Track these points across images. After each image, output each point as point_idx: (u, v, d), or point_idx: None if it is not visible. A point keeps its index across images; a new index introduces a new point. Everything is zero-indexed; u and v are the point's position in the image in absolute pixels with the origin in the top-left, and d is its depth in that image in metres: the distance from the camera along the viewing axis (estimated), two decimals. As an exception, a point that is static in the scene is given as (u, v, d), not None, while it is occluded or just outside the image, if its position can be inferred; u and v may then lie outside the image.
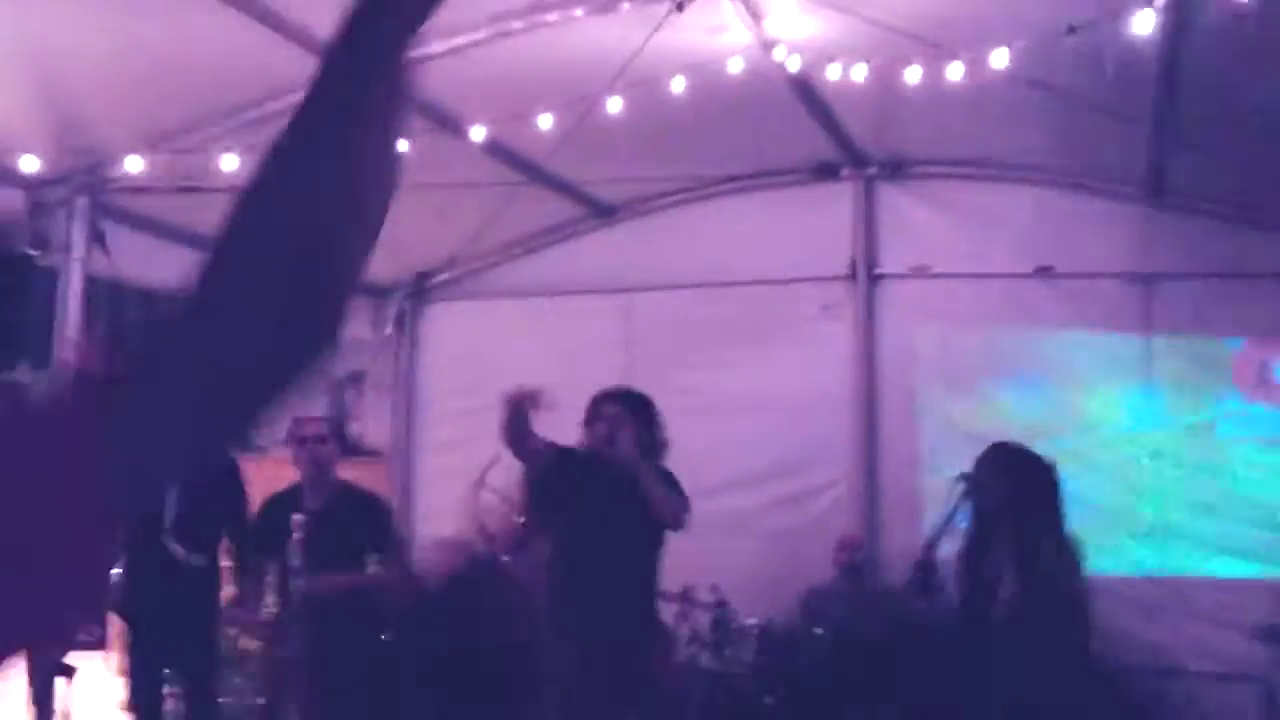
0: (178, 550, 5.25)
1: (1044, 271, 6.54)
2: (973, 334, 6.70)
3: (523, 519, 5.37)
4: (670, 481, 4.95)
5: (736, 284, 7.08)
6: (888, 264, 6.95)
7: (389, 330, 7.79)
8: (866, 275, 6.92)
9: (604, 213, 7.43)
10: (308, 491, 5.17)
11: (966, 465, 6.24)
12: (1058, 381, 6.48)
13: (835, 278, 6.98)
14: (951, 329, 6.77)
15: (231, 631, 5.66)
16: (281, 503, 5.11)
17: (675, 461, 6.96)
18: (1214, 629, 5.98)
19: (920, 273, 6.84)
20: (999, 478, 4.42)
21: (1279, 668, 5.30)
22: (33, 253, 5.82)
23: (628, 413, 4.93)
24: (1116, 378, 6.38)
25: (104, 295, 5.88)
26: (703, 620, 6.03)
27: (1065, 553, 4.36)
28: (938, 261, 6.82)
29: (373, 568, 5.18)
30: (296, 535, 4.65)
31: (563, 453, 4.90)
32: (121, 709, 5.39)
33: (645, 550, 4.93)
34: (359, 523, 5.18)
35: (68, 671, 4.21)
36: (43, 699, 4.72)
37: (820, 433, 6.82)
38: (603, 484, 4.80)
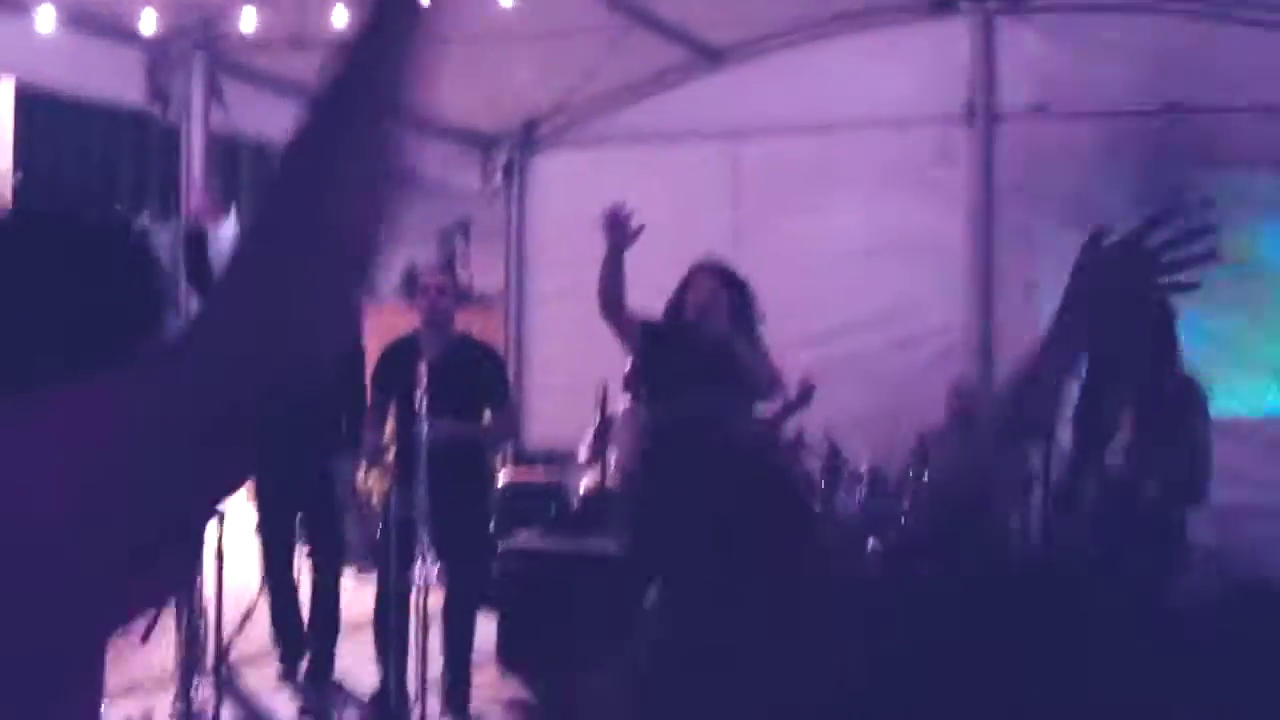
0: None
1: (1173, 108, 6.27)
2: (1096, 174, 6.48)
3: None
4: (761, 355, 4.94)
5: (847, 127, 6.92)
6: (1006, 103, 6.72)
7: (498, 179, 7.82)
8: (985, 115, 6.71)
9: (711, 57, 7.28)
10: (425, 341, 5.28)
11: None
12: (1187, 219, 6.25)
13: (951, 118, 6.78)
14: (1073, 170, 6.56)
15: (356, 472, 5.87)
16: (399, 351, 5.23)
17: (786, 307, 6.97)
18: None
19: (1040, 111, 6.61)
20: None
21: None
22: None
23: (722, 286, 4.90)
24: (1251, 214, 6.14)
25: (221, 149, 6.00)
26: (814, 466, 6.08)
27: (1188, 393, 4.28)
28: (1059, 99, 6.57)
29: (488, 418, 5.35)
30: (422, 384, 4.75)
31: (652, 326, 4.91)
32: (253, 534, 5.65)
33: (736, 418, 4.96)
34: (475, 374, 5.30)
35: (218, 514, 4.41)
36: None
37: (934, 277, 6.72)
38: (694, 357, 4.81)
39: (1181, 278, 1.49)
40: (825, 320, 6.82)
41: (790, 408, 5.88)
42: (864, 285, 6.81)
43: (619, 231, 4.71)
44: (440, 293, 5.33)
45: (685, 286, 4.98)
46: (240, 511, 5.61)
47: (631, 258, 7.00)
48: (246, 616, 5.63)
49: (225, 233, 9.13)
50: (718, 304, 4.90)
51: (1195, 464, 4.35)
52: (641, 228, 4.73)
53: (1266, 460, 5.94)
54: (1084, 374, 4.46)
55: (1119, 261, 1.52)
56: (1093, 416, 4.32)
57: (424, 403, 4.73)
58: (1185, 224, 1.52)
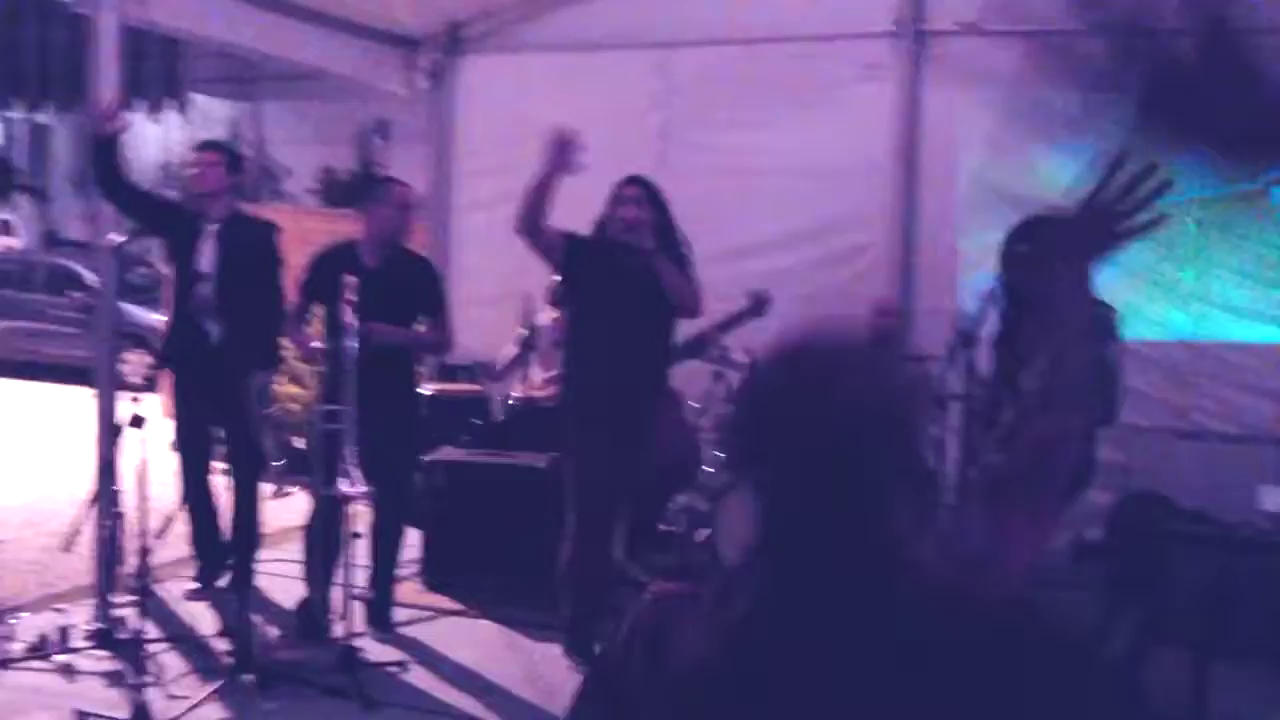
0: (210, 329, 5.35)
1: (1105, 27, 6.30)
2: (1020, 95, 6.51)
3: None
4: (687, 271, 4.94)
5: (776, 40, 6.86)
6: (935, 20, 6.70)
7: (422, 82, 7.64)
8: (912, 32, 6.69)
9: (642, -37, 7.14)
10: (366, 250, 5.21)
11: (1002, 231, 6.26)
12: (1106, 145, 6.34)
13: (879, 34, 6.75)
14: (999, 89, 6.58)
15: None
16: (334, 258, 5.15)
17: (711, 222, 6.97)
18: (1242, 393, 6.06)
19: (969, 30, 6.60)
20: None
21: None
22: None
23: (647, 199, 4.88)
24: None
25: (129, 38, 5.76)
26: (736, 379, 6.16)
27: (1101, 320, 4.36)
28: (988, 17, 6.57)
29: (422, 328, 5.31)
30: (348, 295, 4.69)
31: (577, 241, 4.88)
32: (170, 449, 5.60)
33: (658, 333, 5.00)
34: (413, 284, 5.27)
35: (138, 422, 4.33)
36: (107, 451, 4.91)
37: (857, 195, 6.75)
38: (619, 271, 4.82)
39: (1147, 217, 1.54)
40: (750, 236, 6.84)
41: (741, 316, 5.94)
42: (789, 201, 6.82)
43: (563, 157, 4.64)
44: (406, 209, 5.29)
45: (614, 203, 4.96)
46: (161, 424, 5.55)
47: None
48: (165, 526, 5.60)
49: (132, 130, 8.83)
50: (644, 222, 4.89)
51: (1106, 388, 4.45)
52: (583, 155, 4.67)
53: (1171, 383, 6.14)
54: (1003, 300, 4.54)
55: (1086, 220, 1.55)
56: (1010, 342, 4.41)
57: (350, 312, 4.68)
58: (1138, 163, 1.55)
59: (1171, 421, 6.11)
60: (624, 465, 4.84)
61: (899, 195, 6.69)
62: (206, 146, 5.79)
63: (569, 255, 4.88)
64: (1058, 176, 6.41)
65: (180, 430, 5.59)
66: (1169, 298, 6.19)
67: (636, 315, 4.85)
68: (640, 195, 4.91)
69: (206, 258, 5.35)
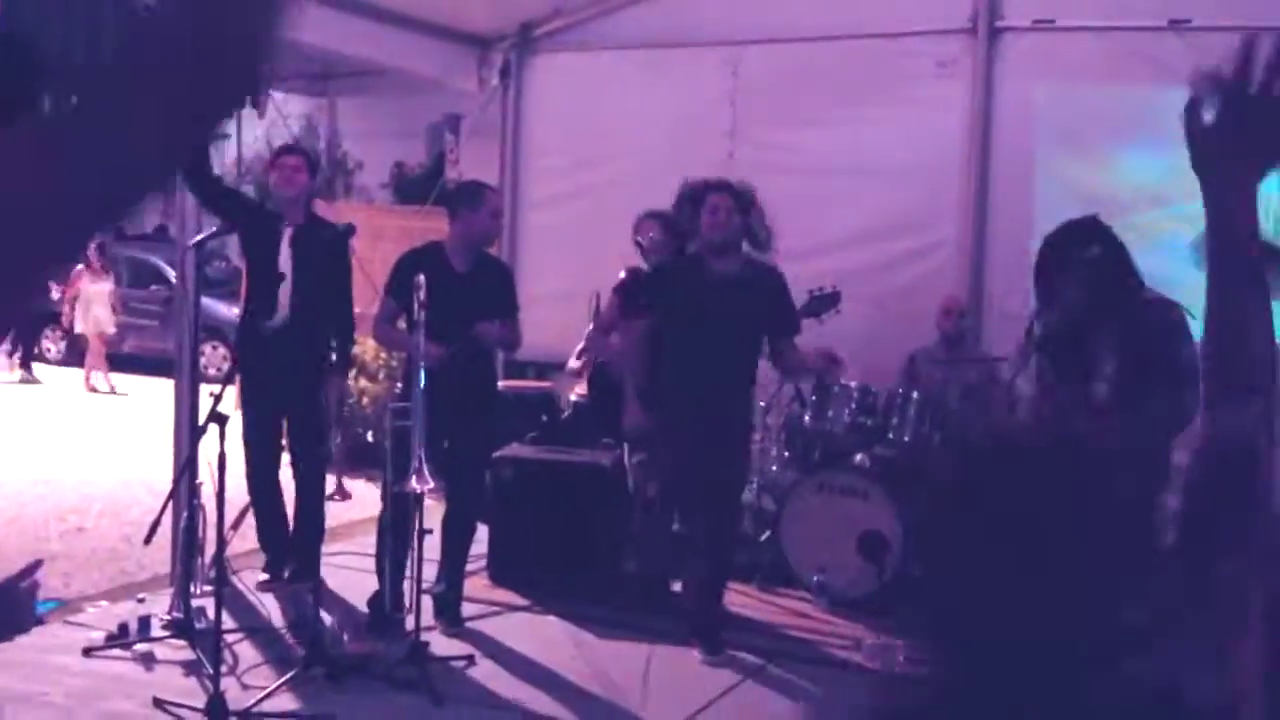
0: (278, 326, 5.46)
1: (1178, 25, 6.18)
2: (1097, 92, 6.41)
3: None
4: (782, 287, 5.16)
5: (848, 38, 6.81)
6: (1010, 16, 6.62)
7: (494, 80, 7.71)
8: (987, 28, 6.61)
9: (713, -39, 7.14)
10: (454, 254, 5.29)
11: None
12: (1181, 144, 6.20)
13: (953, 31, 6.68)
14: (1075, 86, 6.48)
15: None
16: (423, 260, 5.20)
17: (778, 220, 6.94)
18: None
19: (1044, 25, 6.51)
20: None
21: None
22: None
23: (737, 210, 4.95)
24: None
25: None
26: (805, 380, 6.13)
27: (1171, 318, 4.24)
28: (1063, 13, 6.47)
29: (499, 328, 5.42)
30: (420, 295, 4.77)
31: (660, 268, 5.00)
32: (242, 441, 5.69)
33: (748, 339, 5.06)
34: (495, 288, 5.35)
35: (218, 417, 4.41)
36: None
37: (930, 194, 6.68)
38: (709, 280, 4.93)
39: None
40: (821, 235, 6.80)
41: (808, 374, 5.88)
42: (860, 200, 6.78)
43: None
44: (499, 216, 5.46)
45: (697, 206, 4.96)
46: (234, 418, 5.65)
47: (627, 164, 6.97)
48: (240, 519, 5.72)
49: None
50: (733, 229, 4.94)
51: (1179, 393, 4.32)
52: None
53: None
54: (1054, 310, 4.43)
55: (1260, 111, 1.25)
56: (1072, 348, 4.30)
57: (434, 314, 4.80)
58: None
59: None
60: (713, 466, 4.96)
61: (972, 193, 6.62)
62: (290, 151, 5.90)
63: (650, 291, 5.06)
64: (1135, 175, 6.32)
65: (248, 424, 5.70)
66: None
67: (728, 322, 4.92)
68: (724, 202, 4.96)
69: (284, 258, 5.46)
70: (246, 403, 5.78)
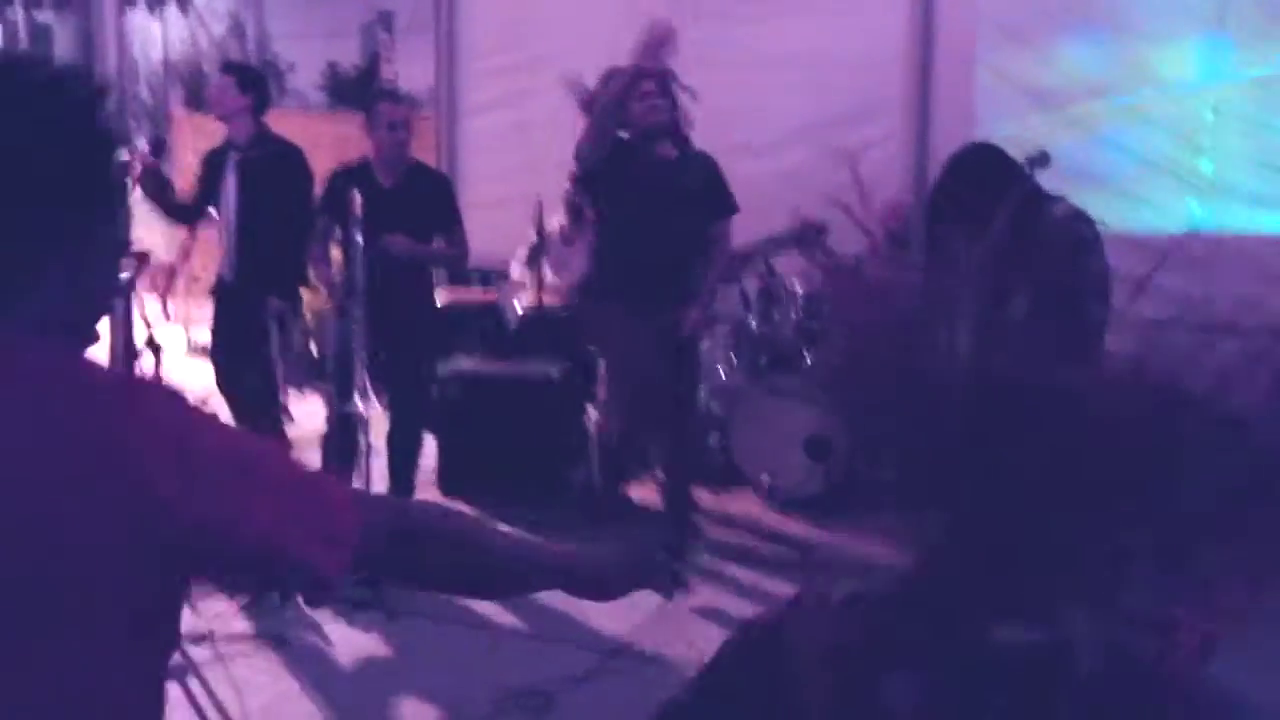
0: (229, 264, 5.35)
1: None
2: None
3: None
4: (715, 167, 5.06)
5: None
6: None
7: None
8: (929, -83, 6.49)
9: None
10: (380, 169, 5.19)
11: (1021, 121, 6.14)
12: (1123, 34, 6.17)
13: (894, -81, 6.55)
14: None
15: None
16: (350, 177, 5.10)
17: (725, 116, 6.84)
18: (1263, 284, 5.99)
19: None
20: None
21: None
22: None
23: (663, 96, 4.82)
24: (1184, 30, 6.07)
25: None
26: (752, 286, 6.12)
27: (1080, 233, 4.25)
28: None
29: (438, 243, 5.33)
30: (356, 213, 4.69)
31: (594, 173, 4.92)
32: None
33: (694, 232, 4.98)
34: (428, 201, 5.26)
35: (154, 346, 4.32)
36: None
37: (871, 87, 6.61)
38: (648, 168, 4.82)
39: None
40: (765, 131, 6.73)
41: (787, 242, 5.81)
42: (803, 95, 6.70)
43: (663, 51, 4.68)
44: (405, 127, 5.24)
45: (628, 90, 4.79)
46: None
47: (567, 65, 6.83)
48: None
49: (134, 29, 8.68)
50: (668, 114, 4.85)
51: (1088, 306, 4.29)
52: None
53: (1187, 275, 6.06)
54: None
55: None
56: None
57: (363, 232, 4.69)
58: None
59: (1190, 314, 6.06)
60: (662, 358, 4.93)
61: (914, 87, 6.56)
62: (224, 69, 5.76)
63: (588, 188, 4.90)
64: (1075, 67, 6.28)
65: (217, 365, 5.57)
66: (1186, 188, 6.09)
67: (673, 206, 4.85)
68: (653, 86, 4.82)
69: (229, 190, 5.34)
70: (214, 344, 5.62)
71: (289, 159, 5.33)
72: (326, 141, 8.03)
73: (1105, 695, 1.15)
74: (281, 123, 5.84)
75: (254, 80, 5.59)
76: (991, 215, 4.18)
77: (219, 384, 5.45)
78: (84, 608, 1.22)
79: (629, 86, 4.72)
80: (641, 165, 4.86)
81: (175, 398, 1.30)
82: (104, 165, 1.26)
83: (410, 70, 8.77)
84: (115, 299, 1.05)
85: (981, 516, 1.17)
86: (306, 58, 15.99)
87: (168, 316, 9.41)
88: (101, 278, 1.34)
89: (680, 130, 4.95)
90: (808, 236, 5.69)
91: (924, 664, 1.17)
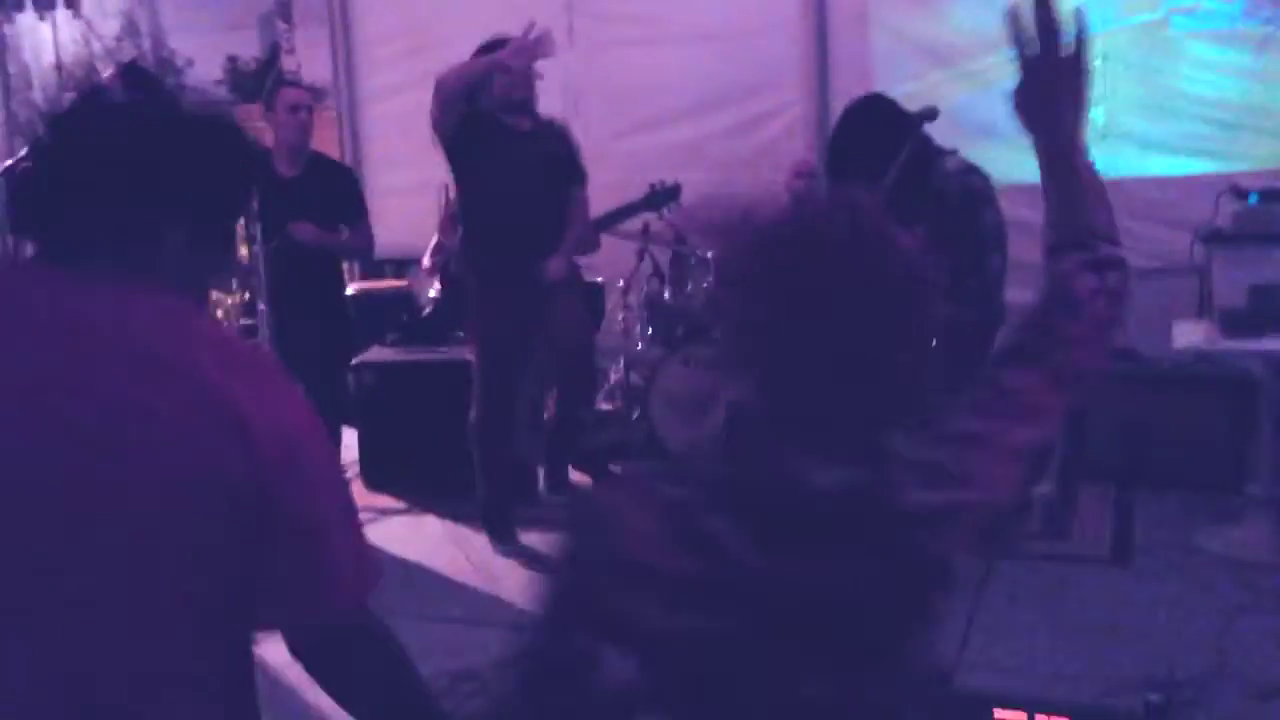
0: None
1: None
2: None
3: None
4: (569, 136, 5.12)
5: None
6: None
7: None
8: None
9: None
10: (282, 159, 5.13)
11: (919, 80, 6.22)
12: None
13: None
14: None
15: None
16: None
17: (622, 93, 6.85)
18: (1157, 226, 6.14)
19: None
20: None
21: (1215, 264, 5.47)
22: None
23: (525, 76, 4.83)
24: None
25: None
26: (662, 257, 6.15)
27: (972, 187, 4.33)
28: None
29: (346, 234, 5.29)
30: (253, 204, 4.63)
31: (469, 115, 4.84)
32: None
33: (555, 202, 4.98)
34: (331, 191, 5.22)
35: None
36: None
37: (769, 56, 6.65)
38: (511, 141, 4.82)
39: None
40: (662, 105, 6.75)
41: (638, 206, 5.87)
42: (700, 67, 6.72)
43: (536, 53, 4.66)
44: (308, 111, 5.21)
45: (486, 77, 4.78)
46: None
47: (464, 47, 6.76)
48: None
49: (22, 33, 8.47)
50: (519, 94, 4.85)
51: (984, 258, 4.38)
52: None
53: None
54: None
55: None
56: None
57: (262, 223, 4.64)
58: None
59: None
60: (526, 334, 4.94)
61: (810, 53, 6.61)
62: (115, 71, 5.64)
63: (462, 128, 4.82)
64: (969, 21, 6.36)
65: None
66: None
67: (532, 184, 4.83)
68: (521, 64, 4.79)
69: None
70: None
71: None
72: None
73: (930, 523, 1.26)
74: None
75: (139, 80, 5.49)
76: (885, 164, 4.27)
77: None
78: (148, 558, 1.32)
79: (488, 73, 4.73)
80: (497, 136, 4.83)
81: (297, 391, 1.46)
82: (245, 177, 1.57)
83: (312, 62, 8.61)
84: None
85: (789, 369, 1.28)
86: (204, 53, 15.63)
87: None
88: (217, 252, 1.56)
89: (533, 104, 4.93)
90: (658, 199, 5.75)
91: (746, 509, 1.25)
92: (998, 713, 2.79)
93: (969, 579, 4.15)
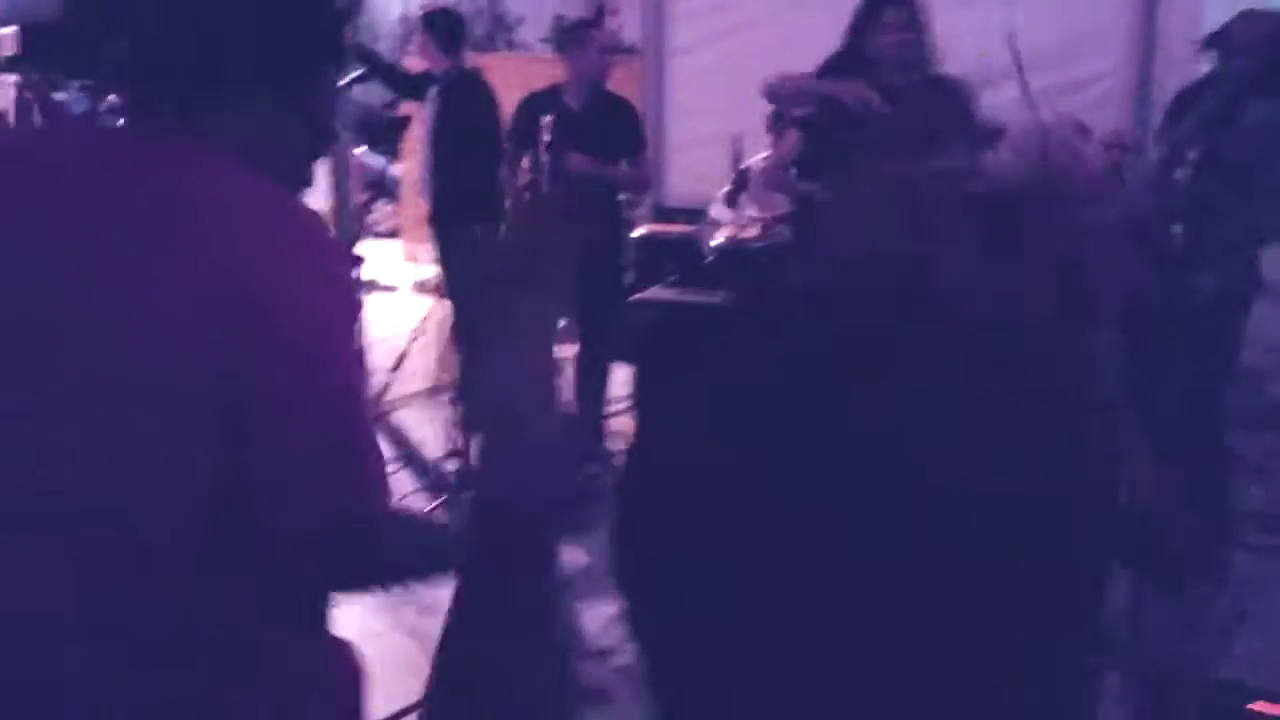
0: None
1: None
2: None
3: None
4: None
5: None
6: None
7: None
8: None
9: None
10: (570, 93, 5.35)
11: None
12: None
13: None
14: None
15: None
16: (541, 101, 5.29)
17: (947, 45, 6.60)
18: None
19: None
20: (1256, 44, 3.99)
21: None
22: None
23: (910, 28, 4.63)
24: None
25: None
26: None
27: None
28: None
29: (624, 168, 5.43)
30: (546, 137, 4.83)
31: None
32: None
33: None
34: (614, 125, 5.38)
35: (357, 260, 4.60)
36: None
37: (1089, 18, 6.31)
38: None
39: None
40: (987, 61, 6.51)
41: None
42: (1014, 28, 6.43)
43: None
44: (607, 53, 5.47)
45: (868, 18, 4.28)
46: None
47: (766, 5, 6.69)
48: (400, 360, 5.99)
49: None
50: (909, 49, 4.33)
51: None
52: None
53: None
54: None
55: None
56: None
57: (549, 153, 4.85)
58: None
59: None
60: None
61: (1136, 18, 6.23)
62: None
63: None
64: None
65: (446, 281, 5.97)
66: None
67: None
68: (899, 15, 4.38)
69: (429, 119, 5.69)
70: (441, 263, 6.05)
71: (476, 88, 5.55)
72: (542, 82, 8.24)
73: None
74: (496, 65, 6.06)
75: (433, 22, 5.84)
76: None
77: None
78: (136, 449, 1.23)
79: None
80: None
81: (343, 281, 1.37)
82: (335, 28, 1.42)
83: (634, 23, 8.87)
84: (321, 154, 1.19)
85: None
86: (534, 11, 16.37)
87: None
88: (309, 121, 1.42)
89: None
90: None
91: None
92: (1258, 706, 2.61)
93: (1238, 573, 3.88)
